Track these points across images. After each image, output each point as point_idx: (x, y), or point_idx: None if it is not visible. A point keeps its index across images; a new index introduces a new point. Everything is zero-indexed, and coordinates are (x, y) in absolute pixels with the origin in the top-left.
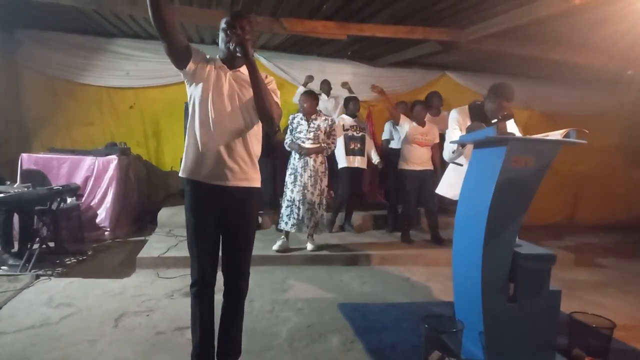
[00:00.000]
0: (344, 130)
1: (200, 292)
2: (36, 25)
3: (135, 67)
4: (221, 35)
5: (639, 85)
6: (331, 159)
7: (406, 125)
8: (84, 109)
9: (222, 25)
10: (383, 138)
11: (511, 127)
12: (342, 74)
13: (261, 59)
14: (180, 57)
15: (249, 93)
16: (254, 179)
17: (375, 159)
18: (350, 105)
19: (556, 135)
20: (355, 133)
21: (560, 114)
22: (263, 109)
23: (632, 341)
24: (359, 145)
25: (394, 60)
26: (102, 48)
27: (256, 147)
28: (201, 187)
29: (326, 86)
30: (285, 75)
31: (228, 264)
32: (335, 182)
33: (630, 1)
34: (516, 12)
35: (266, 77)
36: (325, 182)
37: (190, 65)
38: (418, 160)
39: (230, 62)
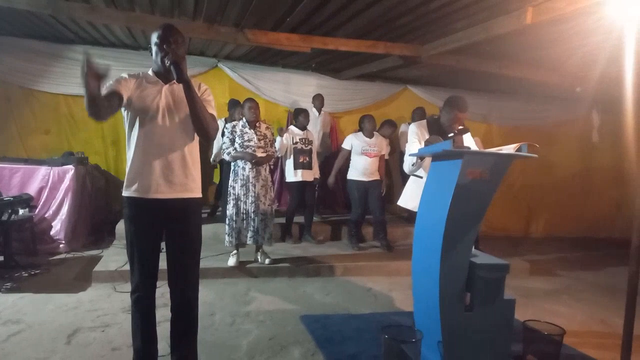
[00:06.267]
0: (292, 144)
1: (141, 299)
2: None
3: None
4: (154, 49)
5: (588, 101)
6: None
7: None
8: (40, 116)
9: (154, 39)
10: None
11: (467, 140)
12: (307, 85)
13: (225, 69)
14: (117, 108)
15: (185, 106)
16: (195, 189)
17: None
18: (300, 117)
19: (509, 149)
20: (304, 146)
21: (517, 127)
22: (200, 127)
23: (582, 347)
24: (307, 159)
25: (357, 73)
26: (60, 54)
27: (195, 157)
28: (141, 201)
29: (319, 101)
30: (250, 86)
31: (175, 275)
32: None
33: (575, 23)
34: (473, 29)
35: (199, 86)
36: (273, 191)
37: (125, 101)
38: (366, 171)
39: (165, 76)
